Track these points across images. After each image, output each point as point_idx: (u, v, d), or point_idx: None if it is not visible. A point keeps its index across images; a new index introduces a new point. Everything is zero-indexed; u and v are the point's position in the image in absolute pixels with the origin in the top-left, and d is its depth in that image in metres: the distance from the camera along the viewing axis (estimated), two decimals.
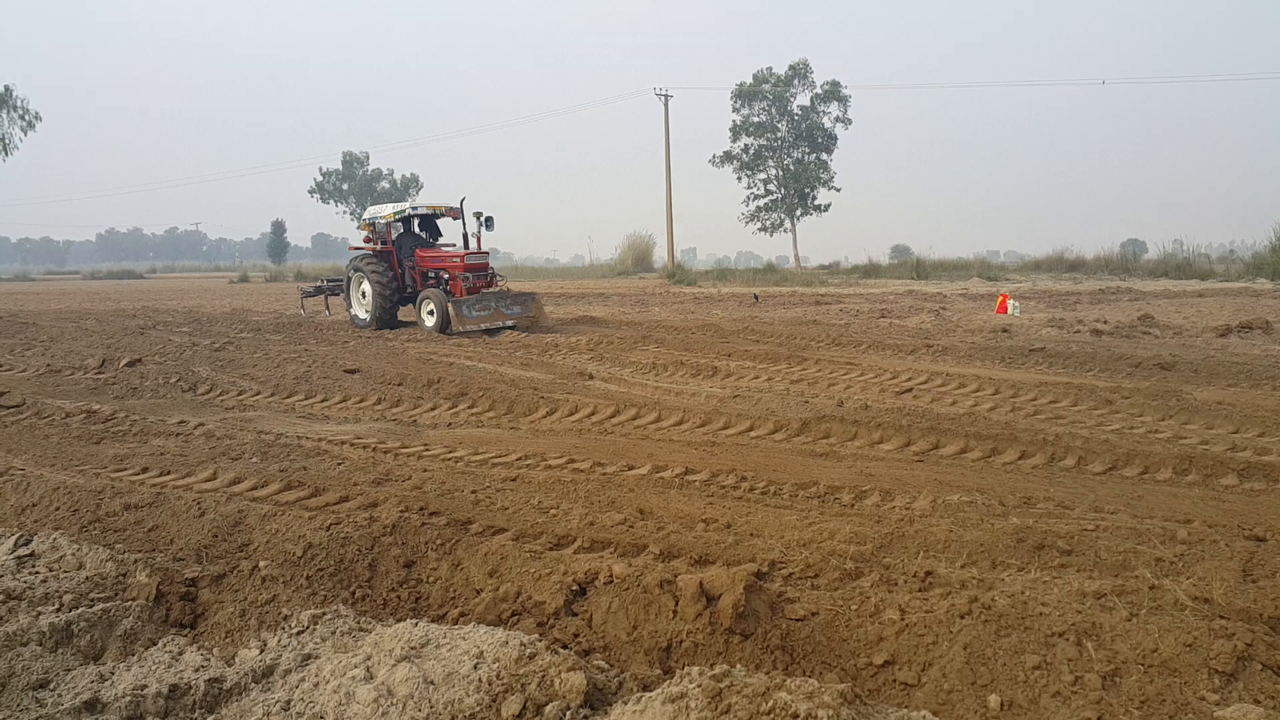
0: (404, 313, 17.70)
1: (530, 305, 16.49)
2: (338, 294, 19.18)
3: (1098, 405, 7.87)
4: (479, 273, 16.95)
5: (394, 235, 17.97)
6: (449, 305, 15.63)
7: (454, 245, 18.13)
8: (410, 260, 17.63)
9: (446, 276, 16.87)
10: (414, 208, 18.22)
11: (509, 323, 15.91)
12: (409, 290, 17.56)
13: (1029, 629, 2.93)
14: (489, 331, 15.37)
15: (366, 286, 17.38)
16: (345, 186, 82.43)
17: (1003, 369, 10.35)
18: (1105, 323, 15.29)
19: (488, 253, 17.79)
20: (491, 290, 16.75)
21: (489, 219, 17.55)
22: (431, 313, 16.21)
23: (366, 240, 18.24)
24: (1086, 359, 10.68)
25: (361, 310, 17.57)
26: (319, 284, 20.67)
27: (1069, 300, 22.39)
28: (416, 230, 18.58)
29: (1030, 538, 4.14)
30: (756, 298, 25.57)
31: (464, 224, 17.83)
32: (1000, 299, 19.39)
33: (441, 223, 18.89)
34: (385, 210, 18.04)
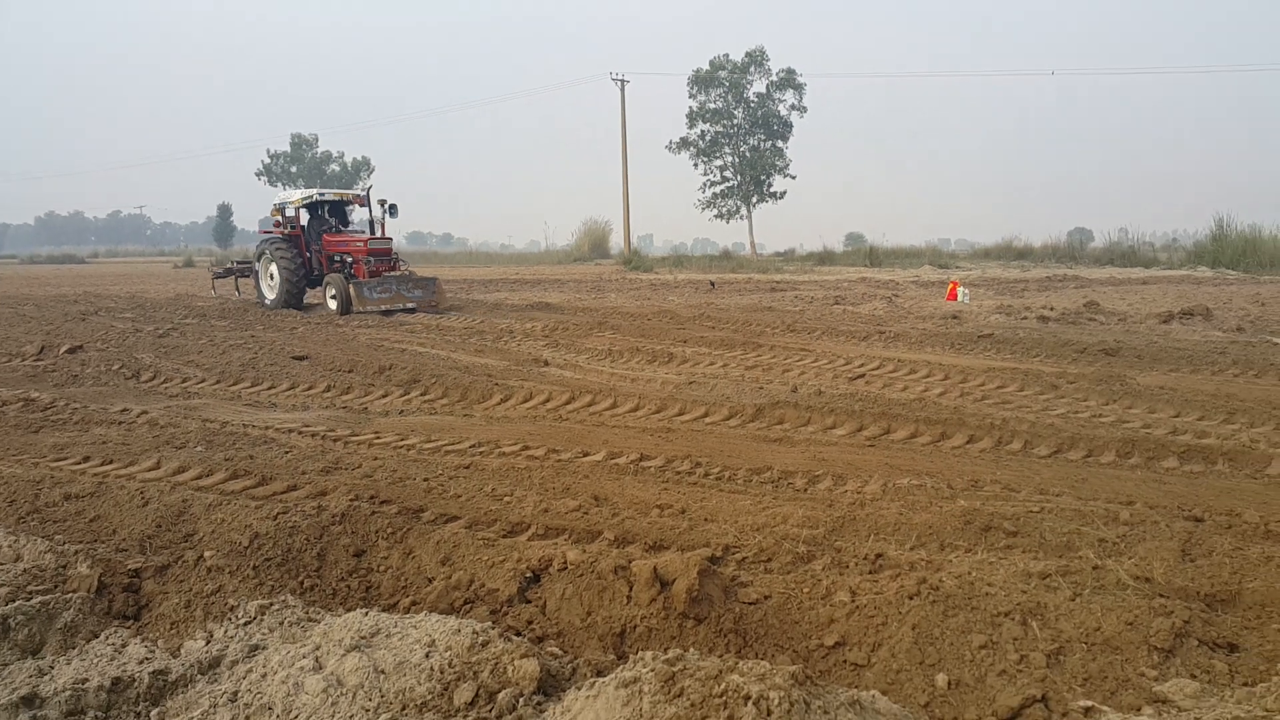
0: (315, 295, 18.71)
1: (431, 289, 17.50)
2: (248, 275, 20.03)
3: (1044, 390, 8.03)
4: (381, 257, 17.90)
5: (303, 221, 18.98)
6: (350, 287, 16.63)
7: (369, 232, 18.98)
8: (318, 245, 18.58)
9: (350, 260, 17.82)
10: (321, 194, 19.16)
11: (410, 305, 16.86)
12: (316, 273, 18.52)
13: (976, 609, 2.98)
14: (386, 312, 16.36)
15: (274, 269, 18.32)
16: (294, 169, 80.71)
17: (952, 355, 10.51)
18: (1052, 309, 15.62)
19: (390, 239, 18.75)
20: (393, 274, 17.59)
21: (393, 206, 18.56)
22: (334, 296, 17.12)
23: (276, 225, 19.07)
24: (1033, 345, 10.89)
25: (269, 291, 18.53)
26: (229, 266, 21.65)
27: (1017, 287, 22.81)
28: (326, 216, 19.37)
29: (977, 520, 4.22)
30: (713, 284, 25.71)
31: (370, 211, 18.91)
32: (950, 286, 19.70)
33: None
34: (294, 196, 18.97)
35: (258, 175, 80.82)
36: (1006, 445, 6.12)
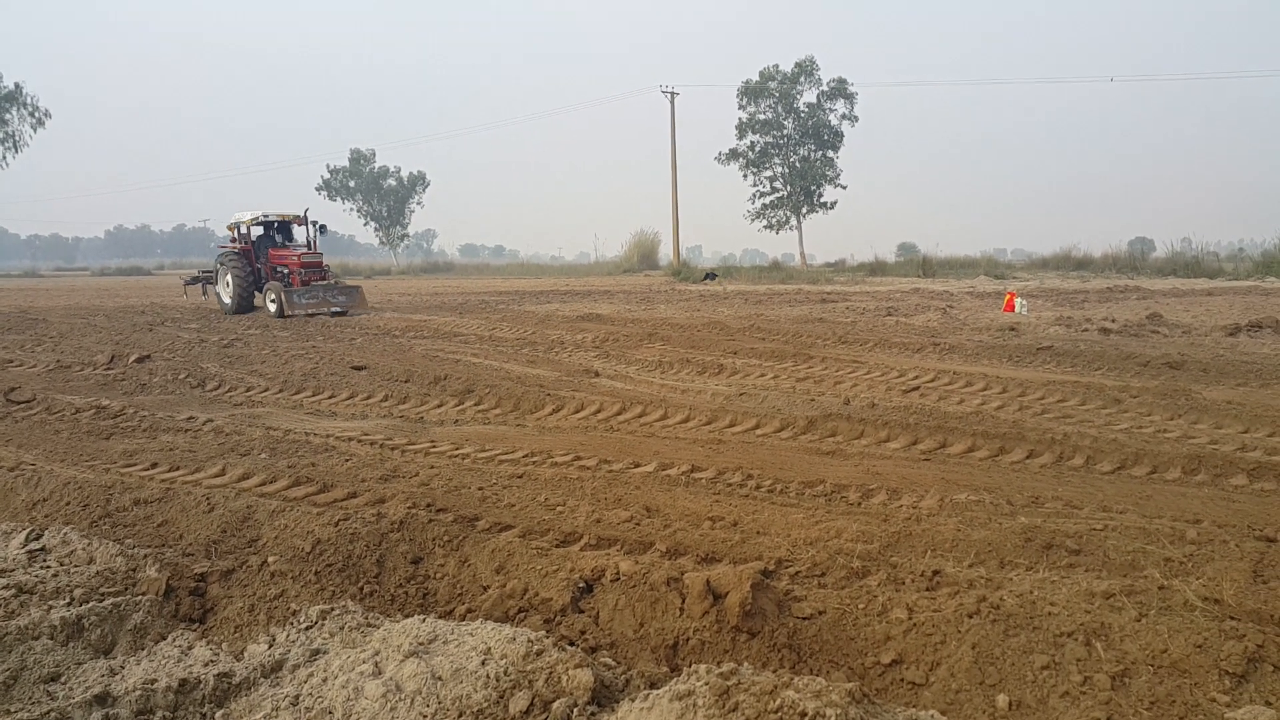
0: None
1: (355, 295, 21.25)
2: (212, 283, 23.23)
3: (1106, 404, 7.85)
4: (312, 269, 21.38)
5: (254, 237, 22.46)
6: (282, 293, 19.94)
7: (306, 247, 22.47)
8: (264, 258, 22.04)
9: (287, 271, 21.29)
10: (266, 215, 22.44)
11: (335, 309, 20.37)
12: (263, 282, 21.77)
13: (1037, 629, 2.92)
14: (313, 315, 19.56)
15: (229, 279, 21.59)
16: (352, 184, 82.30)
17: (1010, 367, 10.32)
18: (1113, 321, 15.25)
19: (320, 254, 22.35)
20: (321, 283, 21.09)
21: (323, 226, 22.65)
22: (274, 300, 20.31)
23: (232, 240, 22.72)
24: (1094, 358, 10.65)
25: (226, 296, 21.73)
26: (196, 275, 24.97)
27: (1077, 298, 22.33)
28: (273, 234, 22.80)
29: (1038, 537, 4.13)
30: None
31: (308, 230, 22.48)
32: (1008, 297, 19.35)
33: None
34: (246, 216, 22.40)
35: (318, 190, 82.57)
36: (1068, 461, 5.99)
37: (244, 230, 22.40)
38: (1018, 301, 18.46)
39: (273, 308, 20.25)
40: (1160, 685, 2.66)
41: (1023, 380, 9.02)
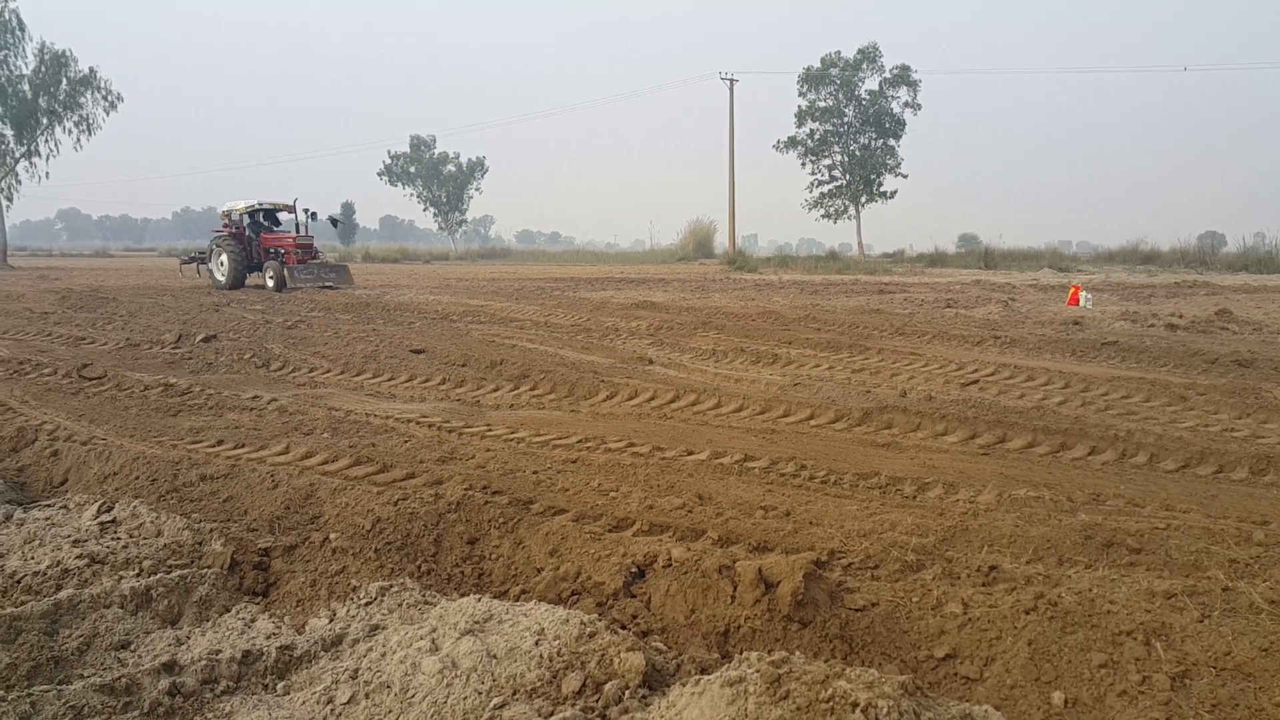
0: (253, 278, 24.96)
1: (343, 274, 24.74)
2: (206, 263, 26.00)
3: (1171, 401, 7.64)
4: (305, 249, 24.68)
5: (246, 223, 25.59)
6: (284, 271, 23.30)
7: (295, 232, 25.61)
8: (257, 241, 25.17)
9: (283, 252, 24.40)
10: (259, 204, 25.74)
11: (327, 284, 23.56)
12: (254, 261, 24.95)
13: (1096, 627, 2.88)
14: (310, 287, 22.68)
15: (224, 259, 24.62)
16: (412, 169, 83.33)
17: (1073, 362, 10.09)
18: (1181, 317, 14.80)
19: (312, 236, 25.77)
20: (315, 262, 24.54)
21: (314, 213, 25.76)
22: (273, 277, 23.55)
23: (225, 226, 25.77)
24: (1161, 354, 10.35)
25: (220, 275, 24.69)
26: (192, 255, 27.90)
27: (1143, 293, 21.69)
28: (262, 220, 26.07)
29: (1099, 535, 4.05)
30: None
31: (296, 216, 25.66)
32: (1072, 291, 18.88)
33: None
34: (239, 205, 25.72)
35: (379, 175, 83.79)
36: (1131, 458, 5.85)
37: (237, 217, 25.72)
38: (1082, 295, 18.00)
39: (271, 283, 23.49)
40: (1223, 688, 2.60)
41: (1086, 375, 8.81)
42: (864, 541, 4.05)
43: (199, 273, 26.82)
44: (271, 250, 24.76)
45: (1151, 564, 3.77)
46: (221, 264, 24.73)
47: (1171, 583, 3.38)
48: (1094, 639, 2.83)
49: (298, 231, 25.58)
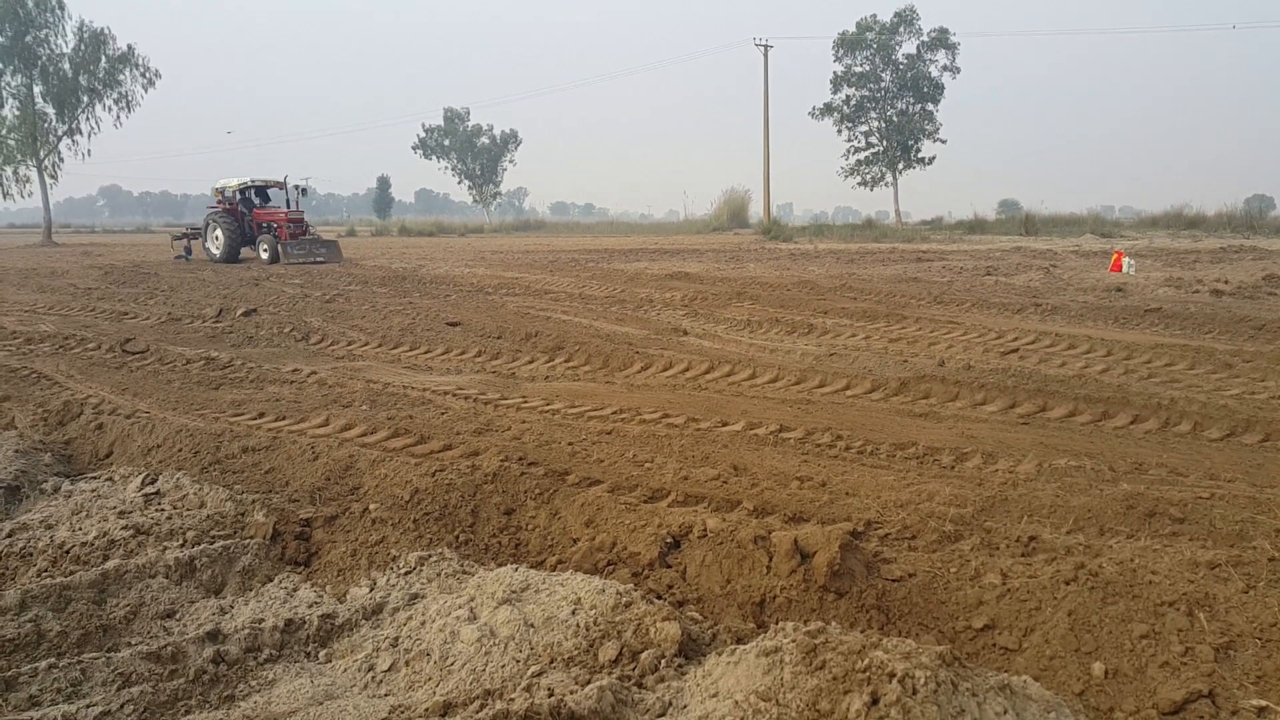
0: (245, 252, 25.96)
1: (333, 249, 25.42)
2: (199, 238, 26.95)
3: (1216, 369, 7.47)
4: (297, 224, 25.73)
5: (238, 199, 26.47)
6: (278, 245, 24.19)
7: (286, 207, 26.71)
8: (250, 216, 26.16)
9: (275, 226, 25.23)
10: (252, 180, 26.58)
11: (319, 259, 24.21)
12: (248, 236, 25.92)
13: (1137, 597, 2.83)
14: (302, 262, 23.27)
15: (219, 233, 25.72)
16: (447, 142, 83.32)
17: (1116, 330, 9.90)
18: (1226, 283, 14.43)
19: (303, 211, 26.86)
20: (306, 237, 25.54)
21: (304, 190, 27.26)
22: (266, 250, 24.55)
23: (219, 202, 26.71)
24: (1205, 320, 10.12)
25: (215, 248, 25.79)
26: (185, 231, 28.63)
27: (1188, 259, 21.17)
28: (253, 197, 27.02)
29: (1141, 504, 3.99)
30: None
31: (287, 192, 26.74)
32: (1115, 256, 18.48)
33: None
34: (233, 181, 26.60)
35: (414, 149, 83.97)
36: (1174, 427, 5.74)
37: (230, 194, 26.52)
38: (1125, 261, 17.61)
39: (265, 255, 24.54)
40: (1269, 659, 2.56)
41: (1128, 343, 8.64)
42: (901, 512, 4.02)
43: (189, 250, 27.20)
44: (265, 225, 25.65)
45: (1195, 534, 3.71)
46: (217, 238, 25.79)
47: (1216, 553, 3.32)
48: (1135, 610, 2.79)
49: (286, 207, 26.65)
